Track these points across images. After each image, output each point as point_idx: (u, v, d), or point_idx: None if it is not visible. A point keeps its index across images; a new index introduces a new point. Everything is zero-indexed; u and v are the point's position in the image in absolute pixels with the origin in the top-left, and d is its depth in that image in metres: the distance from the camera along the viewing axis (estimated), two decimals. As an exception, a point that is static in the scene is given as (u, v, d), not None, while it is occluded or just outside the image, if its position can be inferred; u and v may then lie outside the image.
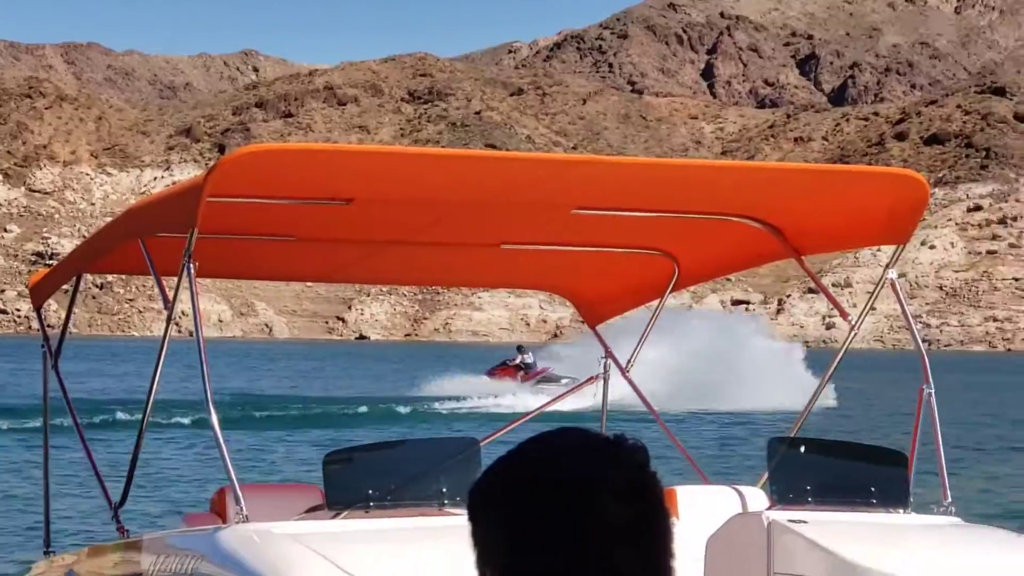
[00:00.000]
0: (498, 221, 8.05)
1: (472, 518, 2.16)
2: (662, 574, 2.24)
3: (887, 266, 8.08)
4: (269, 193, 7.24)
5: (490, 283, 11.35)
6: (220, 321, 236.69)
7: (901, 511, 7.37)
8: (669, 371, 49.27)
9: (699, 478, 8.56)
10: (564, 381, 64.91)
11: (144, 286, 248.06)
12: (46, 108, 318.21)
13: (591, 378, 9.62)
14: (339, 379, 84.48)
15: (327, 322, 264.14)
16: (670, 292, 9.11)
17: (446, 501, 7.25)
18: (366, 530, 6.49)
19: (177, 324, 7.01)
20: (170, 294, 7.15)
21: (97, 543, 7.82)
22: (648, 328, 9.45)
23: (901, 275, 8.39)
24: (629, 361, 9.32)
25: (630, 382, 9.33)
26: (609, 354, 9.36)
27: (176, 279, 7.01)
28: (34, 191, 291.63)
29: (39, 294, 9.37)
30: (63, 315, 9.25)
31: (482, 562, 2.14)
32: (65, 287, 9.25)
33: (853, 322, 8.23)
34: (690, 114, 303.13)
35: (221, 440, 6.47)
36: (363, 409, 54.07)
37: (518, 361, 71.53)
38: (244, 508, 6.29)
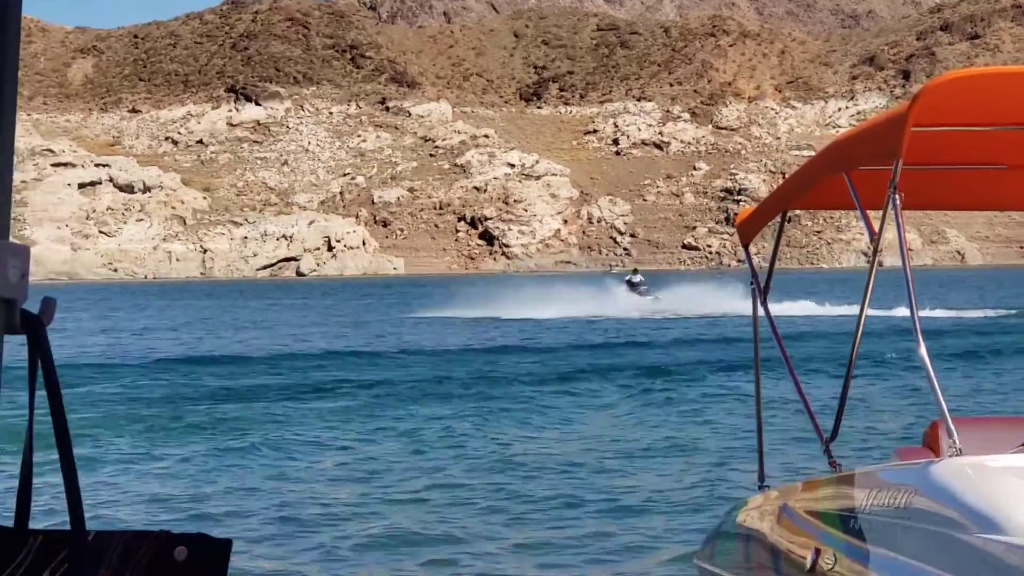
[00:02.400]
0: None
1: None
2: None
3: None
4: (974, 120, 7.04)
5: None
6: (910, 250, 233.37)
7: None
8: None
9: None
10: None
11: (831, 218, 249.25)
12: (730, 46, 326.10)
13: None
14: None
15: (1023, 247, 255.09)
16: None
17: None
18: (1085, 462, 6.20)
19: (865, 254, 6.97)
20: (874, 228, 7.10)
21: (809, 478, 7.93)
22: None
23: None
24: None
25: None
26: None
27: (879, 212, 6.96)
28: (720, 128, 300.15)
29: (746, 232, 9.61)
30: (755, 251, 9.48)
31: None
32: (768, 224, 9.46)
33: None
34: None
35: (932, 372, 6.35)
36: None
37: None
38: (957, 441, 6.18)
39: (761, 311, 9.25)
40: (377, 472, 22.50)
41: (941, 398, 6.30)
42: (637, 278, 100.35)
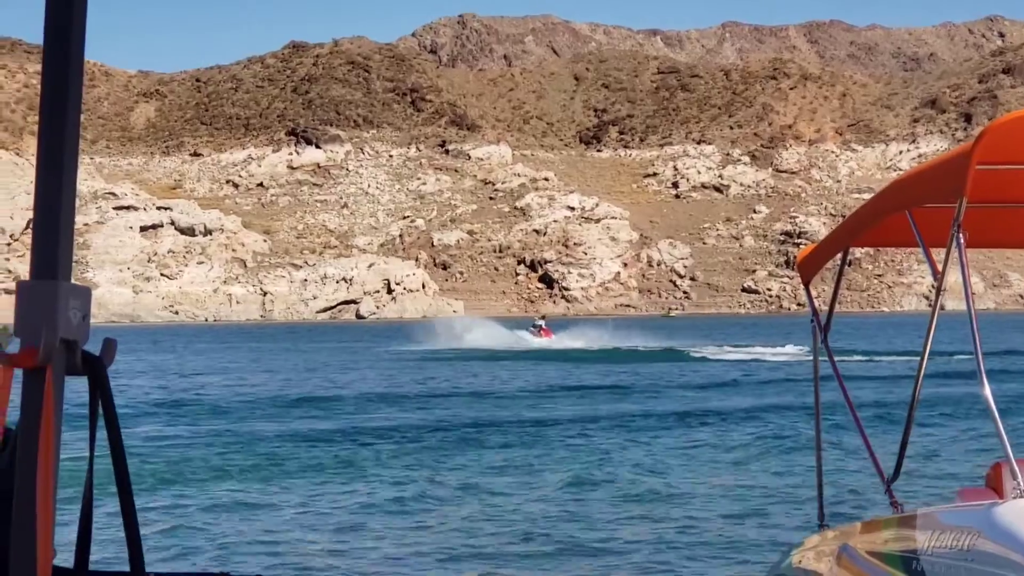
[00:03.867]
0: None
1: None
2: None
3: None
4: (1039, 159, 6.99)
5: None
6: (973, 293, 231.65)
7: None
8: None
9: None
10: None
11: (892, 261, 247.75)
12: (790, 88, 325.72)
13: None
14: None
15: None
16: None
17: None
18: None
19: (927, 297, 6.90)
20: (937, 266, 7.05)
21: (871, 518, 7.86)
22: None
23: None
24: None
25: None
26: None
27: (940, 251, 6.92)
28: (780, 171, 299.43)
29: (807, 270, 9.56)
30: (815, 294, 9.43)
31: None
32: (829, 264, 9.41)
33: None
34: None
35: (996, 413, 6.29)
36: None
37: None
38: (1021, 483, 6.10)
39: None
40: (426, 517, 22.46)
41: (1005, 439, 6.23)
42: (541, 323, 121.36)
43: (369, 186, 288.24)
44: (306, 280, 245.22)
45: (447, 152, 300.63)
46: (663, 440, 33.97)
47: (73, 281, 2.59)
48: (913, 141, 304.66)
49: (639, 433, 35.72)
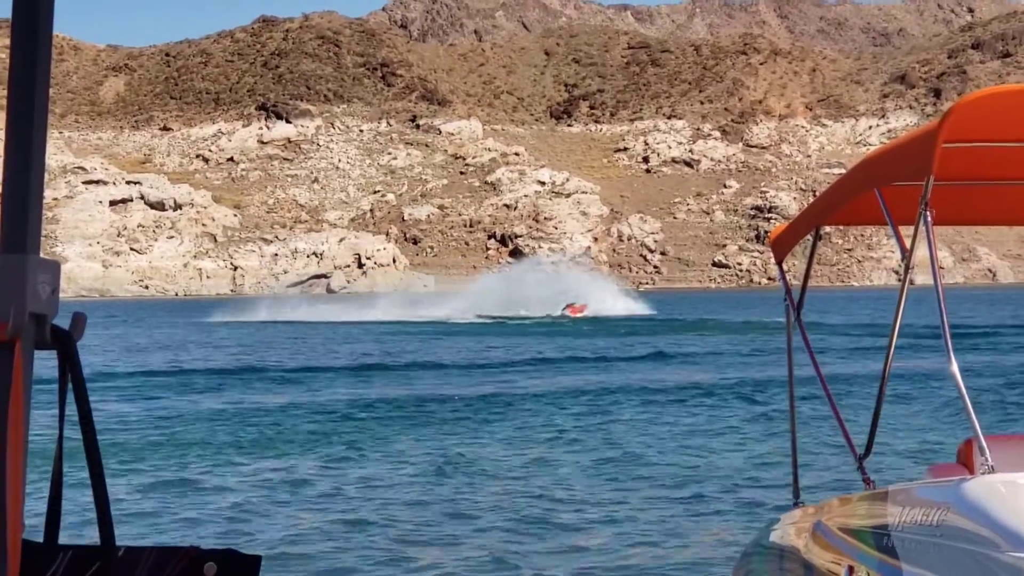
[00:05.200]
0: None
1: None
2: None
3: None
4: (1006, 136, 7.01)
5: None
6: (941, 268, 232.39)
7: None
8: None
9: None
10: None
11: (862, 235, 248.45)
12: (760, 64, 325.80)
13: None
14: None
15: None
16: None
17: None
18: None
19: (896, 272, 6.93)
20: (906, 245, 7.08)
21: (843, 494, 7.93)
22: None
23: None
24: None
25: None
26: None
27: (910, 228, 6.94)
28: (751, 146, 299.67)
29: (780, 249, 9.59)
30: (785, 268, 9.45)
31: None
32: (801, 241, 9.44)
33: None
34: None
35: (964, 390, 6.34)
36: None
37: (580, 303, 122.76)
38: (989, 459, 6.16)
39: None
40: (394, 491, 22.50)
41: (974, 415, 6.28)
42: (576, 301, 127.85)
43: (340, 161, 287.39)
44: (276, 254, 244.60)
45: (418, 127, 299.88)
46: (629, 416, 34.06)
47: (42, 255, 2.59)
48: (883, 116, 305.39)
49: (618, 411, 35.79)
